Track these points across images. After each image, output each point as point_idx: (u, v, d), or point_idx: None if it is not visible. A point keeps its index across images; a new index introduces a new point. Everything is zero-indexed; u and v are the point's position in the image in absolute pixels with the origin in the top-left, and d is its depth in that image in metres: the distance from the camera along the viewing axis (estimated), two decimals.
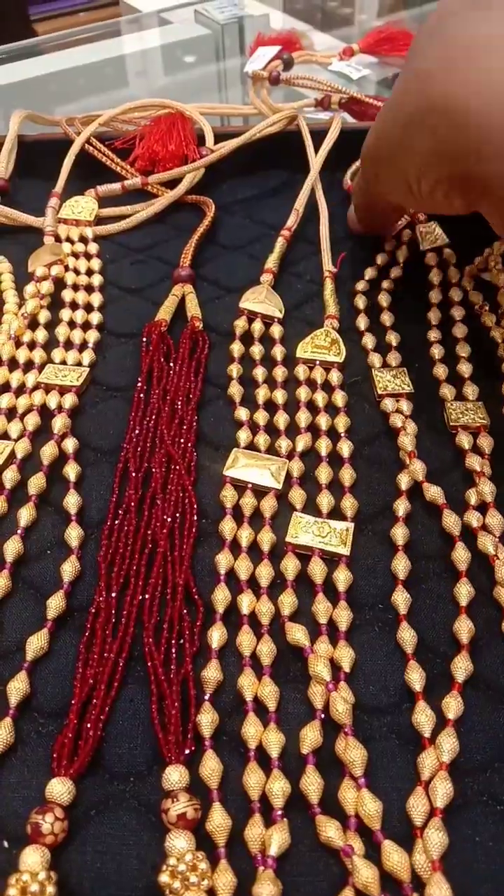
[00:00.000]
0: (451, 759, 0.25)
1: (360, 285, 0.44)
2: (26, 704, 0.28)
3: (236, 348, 0.40)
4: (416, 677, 0.27)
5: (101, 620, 0.29)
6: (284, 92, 0.66)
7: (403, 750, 0.26)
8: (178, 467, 0.34)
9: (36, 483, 0.34)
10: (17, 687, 0.28)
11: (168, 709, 0.27)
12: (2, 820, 0.25)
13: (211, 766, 0.26)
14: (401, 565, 0.31)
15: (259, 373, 0.39)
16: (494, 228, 0.32)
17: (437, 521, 0.32)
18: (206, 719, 0.27)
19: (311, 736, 0.26)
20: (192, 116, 0.53)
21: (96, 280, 0.44)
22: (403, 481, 0.34)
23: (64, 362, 0.40)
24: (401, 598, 0.30)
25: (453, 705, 0.27)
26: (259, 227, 0.49)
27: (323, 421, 0.37)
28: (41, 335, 0.41)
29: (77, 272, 0.45)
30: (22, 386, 0.38)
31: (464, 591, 0.30)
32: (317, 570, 0.31)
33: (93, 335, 0.41)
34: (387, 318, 0.42)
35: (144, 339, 0.40)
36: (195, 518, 0.33)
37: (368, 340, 0.41)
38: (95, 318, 0.42)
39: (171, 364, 0.40)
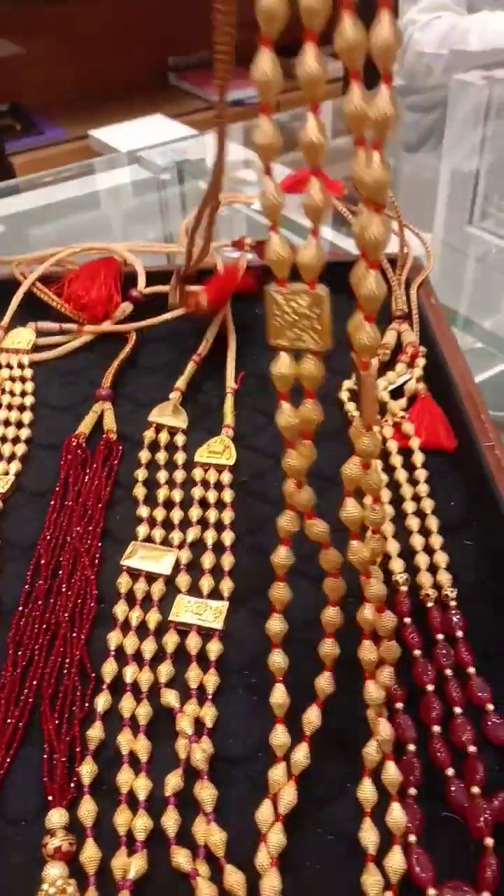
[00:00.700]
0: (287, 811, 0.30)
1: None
2: None
3: (143, 455, 0.47)
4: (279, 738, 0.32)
5: (5, 693, 0.35)
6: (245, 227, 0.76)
7: (254, 792, 0.31)
8: (83, 560, 0.41)
9: None
10: None
11: (56, 763, 0.32)
12: None
13: (87, 808, 0.31)
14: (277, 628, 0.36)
15: (162, 476, 0.46)
16: None
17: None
18: (86, 770, 0.32)
19: (173, 781, 0.31)
20: (124, 258, 0.62)
21: (28, 400, 0.52)
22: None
23: None
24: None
25: (301, 760, 0.31)
26: (175, 352, 0.57)
27: (212, 515, 0.43)
28: None
29: (12, 394, 0.52)
30: None
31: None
32: (192, 643, 0.36)
33: (21, 448, 0.48)
34: None
35: (63, 450, 0.47)
36: (93, 603, 0.39)
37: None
38: (24, 433, 0.49)
39: (87, 470, 0.46)
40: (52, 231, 0.98)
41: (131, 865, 0.29)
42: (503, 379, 0.66)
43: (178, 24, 2.20)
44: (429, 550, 0.40)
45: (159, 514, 0.44)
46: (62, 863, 0.29)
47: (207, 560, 0.41)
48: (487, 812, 0.30)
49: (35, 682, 0.35)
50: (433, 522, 0.42)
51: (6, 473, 0.46)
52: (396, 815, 0.29)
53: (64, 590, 0.39)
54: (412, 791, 0.31)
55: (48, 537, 0.42)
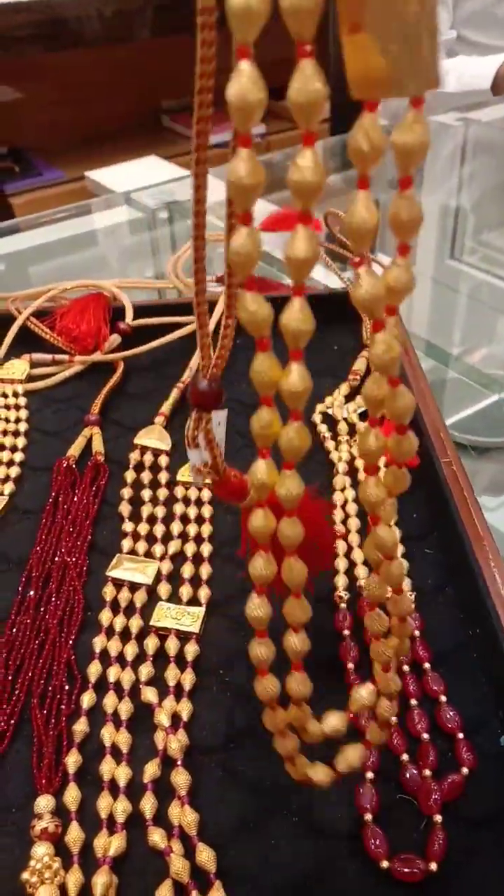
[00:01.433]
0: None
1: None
2: None
3: (129, 475, 0.51)
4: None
5: None
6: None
7: (226, 779, 0.34)
8: (71, 572, 0.44)
9: None
10: None
11: (45, 755, 0.35)
12: None
13: (72, 795, 0.33)
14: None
15: (146, 494, 0.49)
16: None
17: None
18: (72, 760, 0.35)
19: (151, 769, 0.34)
20: (113, 294, 0.66)
21: (22, 426, 0.55)
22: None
23: None
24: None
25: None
26: (161, 380, 0.61)
27: (192, 529, 0.47)
28: None
29: (7, 420, 0.56)
30: None
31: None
32: (171, 645, 0.39)
33: (14, 470, 0.51)
34: None
35: (54, 471, 0.50)
36: (81, 611, 0.42)
37: None
38: (18, 456, 0.53)
39: (76, 490, 0.50)
40: (50, 269, 1.03)
41: (111, 844, 0.32)
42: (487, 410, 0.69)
43: (171, 69, 2.29)
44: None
45: (143, 528, 0.47)
46: (48, 843, 0.32)
47: (187, 570, 0.44)
48: (437, 793, 0.33)
49: (26, 683, 0.38)
50: (396, 532, 0.45)
51: (1, 494, 0.49)
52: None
53: (53, 599, 0.42)
54: (370, 775, 0.34)
55: (39, 551, 0.45)
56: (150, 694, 0.37)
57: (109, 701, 0.37)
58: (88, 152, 2.08)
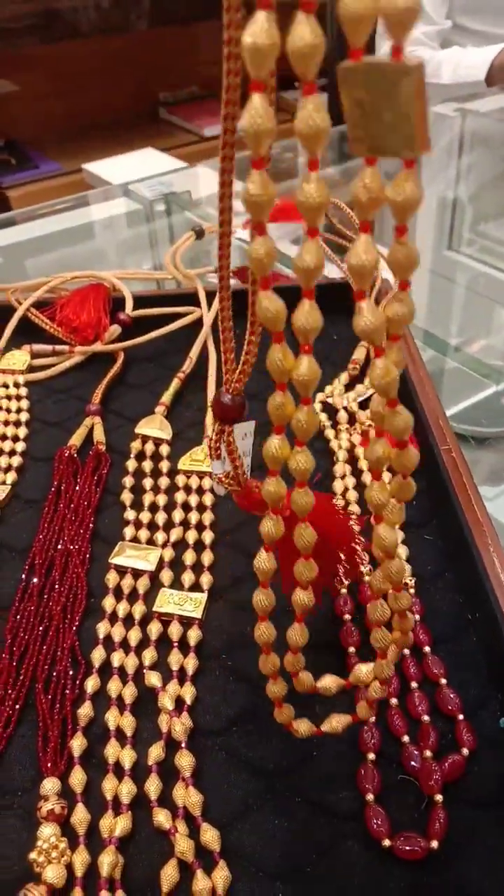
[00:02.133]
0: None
1: None
2: None
3: (131, 464, 0.51)
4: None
5: (2, 677, 0.38)
6: (191, 256, 0.81)
7: (229, 761, 0.35)
8: (74, 559, 0.44)
9: None
10: None
11: (50, 739, 0.35)
12: None
13: (78, 777, 0.34)
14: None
15: (147, 482, 0.50)
16: None
17: None
18: (77, 743, 0.35)
19: (155, 752, 0.35)
20: (112, 284, 0.66)
21: (24, 416, 0.55)
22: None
23: None
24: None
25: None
26: (161, 370, 0.61)
27: (193, 517, 0.47)
28: None
29: (9, 411, 0.56)
30: None
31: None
32: (174, 631, 0.40)
33: (16, 460, 0.52)
34: None
35: (56, 461, 0.51)
36: (84, 598, 0.42)
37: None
38: (20, 446, 0.53)
39: (78, 479, 0.50)
40: (47, 261, 1.03)
41: (117, 825, 0.32)
42: (486, 401, 0.70)
43: (168, 61, 2.29)
44: None
45: (145, 516, 0.47)
46: (55, 824, 0.32)
47: (189, 557, 0.44)
48: (438, 773, 0.33)
49: (30, 668, 0.39)
50: (399, 534, 0.45)
51: (3, 483, 0.50)
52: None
53: (57, 586, 0.43)
54: (371, 756, 0.34)
55: (42, 539, 0.45)
56: (154, 678, 0.37)
57: (114, 685, 0.38)
58: (85, 144, 2.07)
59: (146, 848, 0.32)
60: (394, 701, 0.36)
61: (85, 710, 0.36)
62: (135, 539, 0.46)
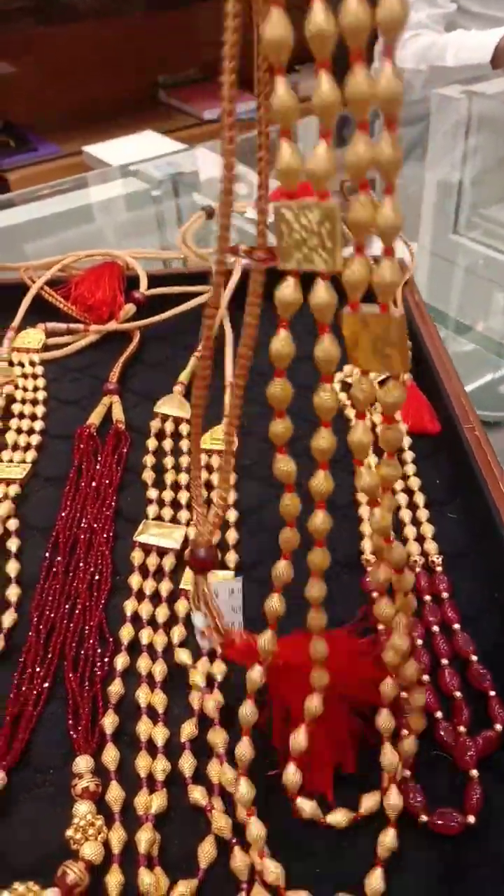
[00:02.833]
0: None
1: None
2: None
3: (151, 443, 0.51)
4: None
5: (30, 656, 0.38)
6: (199, 237, 0.80)
7: (261, 737, 0.35)
8: (98, 538, 0.44)
9: None
10: None
11: (81, 716, 0.35)
12: None
13: (111, 755, 0.34)
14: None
15: (168, 461, 0.49)
16: None
17: None
18: (109, 721, 0.35)
19: (188, 728, 0.34)
20: (126, 263, 0.65)
21: (40, 395, 0.55)
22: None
23: (11, 461, 0.49)
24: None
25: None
26: (177, 349, 0.60)
27: (216, 496, 0.46)
28: None
29: (25, 389, 0.55)
30: None
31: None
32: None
33: (35, 438, 0.51)
34: None
35: (76, 439, 0.50)
36: (109, 575, 0.42)
37: None
38: (38, 424, 0.52)
39: (98, 458, 0.49)
40: (49, 244, 1.02)
41: (152, 802, 0.32)
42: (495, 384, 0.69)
43: (167, 44, 2.26)
44: (416, 523, 0.44)
45: (167, 495, 0.47)
46: (90, 801, 0.32)
47: (214, 535, 0.44)
48: (472, 749, 0.33)
49: (58, 646, 0.38)
50: (420, 498, 0.45)
51: (23, 462, 0.49)
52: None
53: (81, 564, 0.42)
54: (405, 732, 0.34)
55: (65, 517, 0.45)
56: (183, 655, 0.37)
57: (143, 662, 0.37)
58: (84, 127, 2.05)
59: (182, 825, 0.32)
60: (426, 678, 0.36)
61: (115, 688, 0.36)
62: (158, 518, 0.45)
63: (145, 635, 0.39)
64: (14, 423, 0.52)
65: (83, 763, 0.33)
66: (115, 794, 0.32)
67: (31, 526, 0.46)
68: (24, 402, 0.54)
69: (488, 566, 0.41)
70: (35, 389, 0.56)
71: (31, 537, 0.45)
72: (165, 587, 0.41)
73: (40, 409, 0.54)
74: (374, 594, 0.31)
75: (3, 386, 0.55)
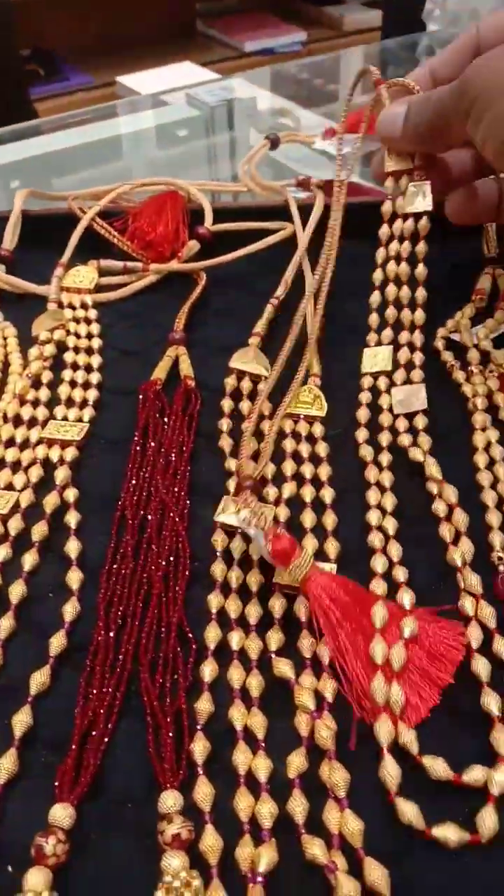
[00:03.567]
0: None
1: None
2: (30, 737, 0.29)
3: (226, 404, 0.43)
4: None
5: (99, 658, 0.31)
6: (271, 170, 0.71)
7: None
8: (171, 514, 0.37)
9: (39, 531, 0.36)
10: (22, 720, 0.29)
11: (163, 739, 0.29)
12: (5, 846, 0.27)
13: (204, 791, 0.27)
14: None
15: (248, 426, 0.42)
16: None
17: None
18: (199, 747, 0.28)
19: (297, 761, 0.28)
20: (188, 194, 0.57)
21: (95, 343, 0.48)
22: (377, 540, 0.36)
23: (66, 419, 0.42)
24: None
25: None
26: (248, 296, 0.53)
27: (307, 470, 0.39)
28: (44, 394, 0.44)
29: (78, 336, 0.48)
30: (26, 441, 0.41)
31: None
32: (301, 608, 0.33)
33: (92, 393, 0.44)
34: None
35: (141, 397, 0.43)
36: (188, 561, 0.35)
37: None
38: (95, 377, 0.45)
39: (165, 419, 0.42)
40: (83, 177, 0.93)
41: (261, 857, 0.25)
42: None
43: None
44: None
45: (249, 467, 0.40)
46: (182, 852, 0.26)
47: (308, 519, 0.37)
48: None
49: (130, 647, 0.32)
50: None
51: (80, 420, 0.42)
52: None
53: (154, 547, 0.35)
54: None
55: (131, 489, 0.38)
56: (284, 667, 0.31)
57: (235, 674, 0.31)
58: (118, 57, 1.93)
59: (297, 886, 0.26)
60: None
61: (204, 705, 0.30)
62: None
63: (235, 639, 0.32)
64: (67, 374, 0.45)
65: (171, 800, 0.27)
66: (210, 842, 0.26)
67: (91, 496, 0.39)
68: (77, 350, 0.47)
69: None
70: (89, 336, 0.48)
71: (93, 510, 0.38)
72: (255, 580, 0.34)
73: (96, 360, 0.47)
74: None
75: (53, 331, 0.48)
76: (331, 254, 0.50)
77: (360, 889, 0.25)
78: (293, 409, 0.43)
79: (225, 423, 0.42)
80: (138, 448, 0.41)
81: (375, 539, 0.36)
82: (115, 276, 0.53)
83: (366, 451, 0.40)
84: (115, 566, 0.35)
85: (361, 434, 0.42)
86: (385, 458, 0.40)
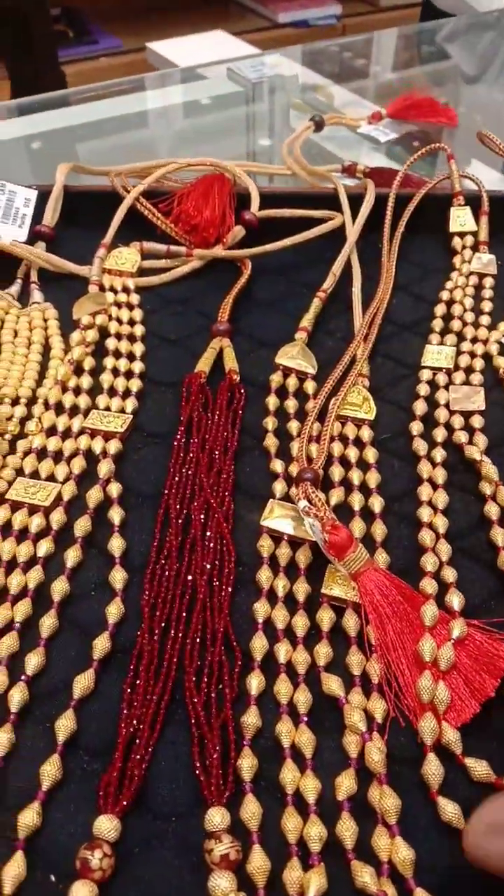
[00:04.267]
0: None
1: None
2: (73, 742, 0.29)
3: (272, 402, 0.42)
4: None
5: (144, 662, 0.31)
6: (315, 154, 0.69)
7: (429, 800, 0.28)
8: (216, 515, 0.36)
9: (82, 526, 0.35)
10: (65, 725, 0.29)
11: (209, 752, 0.28)
12: (48, 854, 0.26)
13: (251, 810, 0.27)
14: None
15: (293, 426, 0.41)
16: None
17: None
18: (247, 764, 0.28)
19: (346, 783, 0.27)
20: (236, 178, 0.55)
21: (138, 330, 0.46)
22: (427, 538, 0.35)
23: (108, 409, 0.41)
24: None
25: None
26: (294, 286, 0.51)
27: (355, 476, 0.38)
28: (86, 381, 0.43)
29: (120, 321, 0.47)
30: (68, 430, 0.40)
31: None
32: (351, 622, 0.32)
33: (135, 383, 0.43)
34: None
35: (184, 390, 0.42)
36: (233, 566, 0.34)
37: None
38: (137, 366, 0.44)
39: (209, 414, 0.41)
40: (110, 150, 0.90)
41: (311, 882, 0.25)
42: None
43: None
44: None
45: (295, 469, 0.39)
46: (230, 872, 0.25)
47: (357, 528, 0.36)
48: None
49: (175, 653, 0.31)
50: None
51: (122, 410, 0.41)
52: None
53: (199, 549, 0.35)
54: None
55: (175, 487, 0.37)
56: (333, 684, 0.30)
57: (282, 688, 0.30)
58: (146, 22, 1.89)
59: None
60: None
61: (251, 719, 0.29)
62: (286, 498, 0.37)
63: (282, 651, 0.31)
64: (109, 362, 0.44)
65: (219, 818, 0.26)
66: (259, 863, 0.26)
67: (135, 491, 0.38)
68: (119, 336, 0.46)
69: None
70: (131, 323, 0.47)
71: (136, 506, 0.37)
72: (303, 589, 0.33)
73: (139, 348, 0.45)
74: None
75: (94, 315, 0.46)
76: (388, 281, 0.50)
77: None
78: (341, 411, 0.42)
79: (270, 422, 0.41)
80: (181, 444, 0.40)
81: (426, 537, 0.35)
82: (157, 259, 0.52)
83: (419, 445, 0.40)
84: (158, 567, 0.34)
85: (415, 427, 0.41)
86: (439, 454, 0.39)
